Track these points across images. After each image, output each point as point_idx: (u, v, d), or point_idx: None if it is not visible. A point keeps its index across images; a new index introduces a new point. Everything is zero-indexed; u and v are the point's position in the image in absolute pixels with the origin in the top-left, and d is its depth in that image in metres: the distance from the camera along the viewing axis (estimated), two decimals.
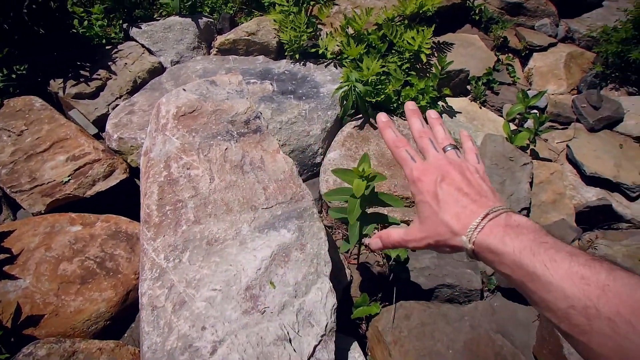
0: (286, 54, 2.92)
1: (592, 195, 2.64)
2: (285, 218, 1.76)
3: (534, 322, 2.15)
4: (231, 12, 3.25)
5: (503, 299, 2.20)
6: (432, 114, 0.77)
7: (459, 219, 0.59)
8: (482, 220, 0.56)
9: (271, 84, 2.66)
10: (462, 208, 0.60)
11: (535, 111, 3.02)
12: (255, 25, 3.00)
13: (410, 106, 0.76)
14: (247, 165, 1.86)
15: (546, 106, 3.08)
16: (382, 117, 0.76)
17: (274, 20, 2.96)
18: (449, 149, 0.71)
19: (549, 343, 2.00)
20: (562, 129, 3.04)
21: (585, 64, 3.48)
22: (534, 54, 3.50)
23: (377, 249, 0.76)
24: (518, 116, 2.93)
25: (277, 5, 3.01)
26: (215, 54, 3.01)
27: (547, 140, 2.92)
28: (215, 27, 3.20)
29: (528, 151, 2.79)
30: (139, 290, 1.49)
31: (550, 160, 2.80)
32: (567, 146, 2.81)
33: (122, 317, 1.86)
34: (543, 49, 3.51)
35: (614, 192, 2.69)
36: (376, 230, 2.33)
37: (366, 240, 0.77)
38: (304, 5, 3.00)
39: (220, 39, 3.03)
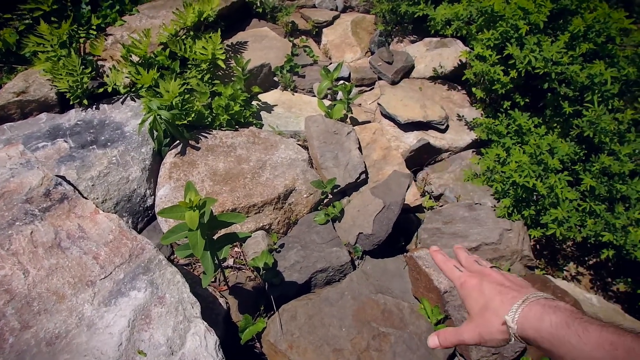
0: (72, 102, 2.72)
1: (412, 139, 3.06)
2: (131, 278, 1.69)
3: (405, 269, 2.44)
4: None
5: (372, 260, 2.45)
6: (456, 249, 0.95)
7: (502, 303, 0.72)
8: (522, 302, 0.69)
9: (65, 141, 2.47)
10: (505, 295, 0.73)
11: (342, 82, 3.36)
12: (22, 82, 2.72)
13: (433, 249, 0.94)
14: (65, 241, 1.72)
15: (349, 74, 3.44)
16: (433, 248, 0.94)
17: (44, 71, 2.72)
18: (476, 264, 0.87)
19: (421, 281, 2.30)
20: (369, 90, 3.44)
21: (370, 26, 3.96)
22: (324, 30, 3.87)
23: (434, 347, 0.85)
24: (328, 91, 3.22)
25: (40, 53, 2.77)
26: None
27: (360, 104, 3.28)
28: None
29: (348, 120, 3.10)
30: None
31: (369, 122, 3.15)
32: (378, 104, 3.20)
33: None
34: (329, 23, 3.90)
35: (429, 130, 3.16)
36: (236, 249, 2.37)
37: (429, 342, 0.86)
38: (73, 45, 2.82)
39: None
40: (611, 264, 2.79)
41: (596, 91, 2.66)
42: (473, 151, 3.15)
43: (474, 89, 3.17)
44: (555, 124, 2.92)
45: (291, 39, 3.68)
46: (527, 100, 3.03)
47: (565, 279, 2.70)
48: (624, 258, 2.49)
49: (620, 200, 2.56)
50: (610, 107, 2.66)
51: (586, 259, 2.84)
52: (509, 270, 2.48)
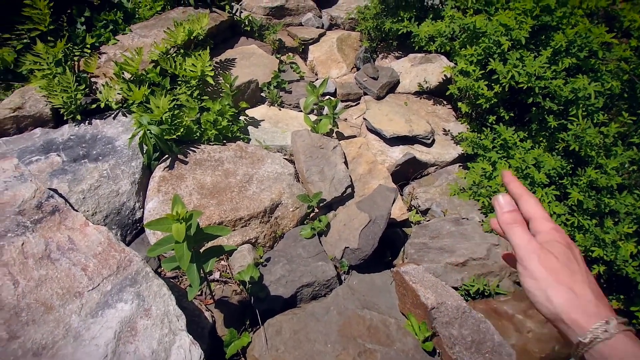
0: (65, 118, 2.82)
1: (398, 153, 3.16)
2: (118, 290, 1.76)
3: (391, 284, 2.49)
4: None
5: (359, 275, 2.50)
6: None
7: (585, 309, 0.62)
8: (606, 323, 0.60)
9: (58, 155, 2.56)
10: (588, 303, 0.63)
11: (328, 97, 3.47)
12: (19, 98, 2.81)
13: (505, 171, 0.79)
14: (55, 253, 1.79)
15: (335, 90, 3.56)
16: (505, 171, 0.78)
17: (40, 87, 2.82)
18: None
19: (408, 297, 2.33)
20: (355, 105, 3.56)
21: (355, 43, 4.11)
22: (310, 47, 4.02)
23: (495, 228, 0.75)
24: (314, 106, 3.33)
25: (36, 71, 2.87)
26: None
27: (346, 119, 3.39)
28: None
29: (334, 135, 3.20)
30: None
31: (355, 136, 3.25)
32: (364, 119, 3.31)
33: None
34: (315, 40, 4.06)
35: (414, 144, 3.26)
36: (223, 262, 2.44)
37: (492, 224, 0.76)
38: (68, 63, 2.93)
39: None
40: (603, 280, 2.79)
41: (580, 105, 2.72)
42: (459, 165, 3.24)
43: (459, 104, 3.28)
44: (541, 138, 2.99)
45: (278, 55, 3.82)
46: (512, 114, 3.13)
47: None
48: (616, 274, 2.49)
49: (609, 215, 2.59)
50: (595, 121, 2.72)
51: None
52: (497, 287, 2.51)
